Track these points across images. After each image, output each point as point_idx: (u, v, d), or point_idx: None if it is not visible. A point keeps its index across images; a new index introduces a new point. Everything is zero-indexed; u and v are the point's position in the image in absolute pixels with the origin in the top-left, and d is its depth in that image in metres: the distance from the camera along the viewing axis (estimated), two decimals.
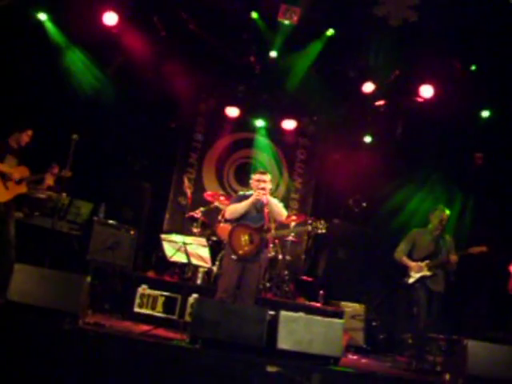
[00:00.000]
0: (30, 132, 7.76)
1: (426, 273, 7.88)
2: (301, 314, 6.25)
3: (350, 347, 8.55)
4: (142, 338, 6.27)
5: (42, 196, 8.38)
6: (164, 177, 11.82)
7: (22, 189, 7.66)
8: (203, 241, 7.30)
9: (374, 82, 10.69)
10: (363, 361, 7.91)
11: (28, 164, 7.76)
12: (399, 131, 11.29)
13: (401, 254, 8.21)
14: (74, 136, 7.42)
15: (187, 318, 7.97)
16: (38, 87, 10.23)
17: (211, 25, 10.34)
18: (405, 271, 8.11)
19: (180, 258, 7.37)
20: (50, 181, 7.78)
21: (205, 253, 7.27)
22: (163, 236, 7.49)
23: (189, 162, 12.05)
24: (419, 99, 10.64)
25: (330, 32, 10.21)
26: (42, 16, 9.88)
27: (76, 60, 10.55)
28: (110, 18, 9.89)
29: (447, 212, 8.17)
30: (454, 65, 10.13)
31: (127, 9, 9.98)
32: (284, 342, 5.87)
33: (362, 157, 11.43)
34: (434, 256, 7.96)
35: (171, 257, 7.39)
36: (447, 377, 6.71)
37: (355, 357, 8.17)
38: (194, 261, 7.39)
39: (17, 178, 7.54)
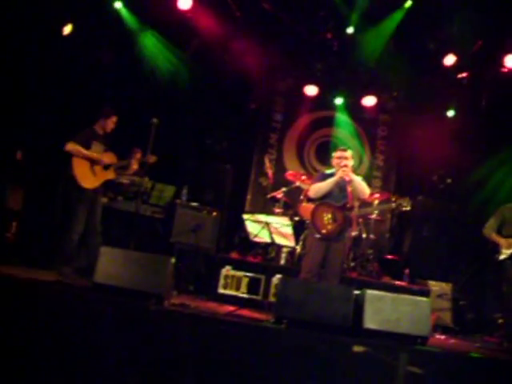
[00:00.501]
0: (114, 118, 7.84)
1: None
2: (387, 293, 6.13)
3: (437, 327, 8.36)
4: (227, 319, 6.29)
5: (125, 181, 8.51)
6: (245, 158, 11.84)
7: (110, 175, 7.76)
8: (286, 220, 7.27)
9: (455, 54, 10.35)
10: (451, 341, 7.71)
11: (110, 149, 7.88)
12: (483, 103, 10.88)
13: (490, 230, 8.00)
14: (154, 120, 7.43)
15: (271, 299, 8.01)
16: (117, 73, 10.44)
17: (286, 3, 10.25)
18: (493, 248, 7.88)
19: (263, 237, 7.37)
20: (135, 166, 7.89)
21: (288, 232, 7.24)
22: (246, 216, 7.50)
23: (269, 143, 12.04)
24: (504, 69, 10.22)
25: (408, 3, 9.94)
26: (118, 4, 10.00)
27: (152, 45, 10.68)
28: (185, 2, 9.92)
29: None
30: None
31: None
32: (370, 322, 5.77)
33: (445, 131, 11.10)
34: None
35: (255, 236, 7.40)
36: None
37: (443, 337, 7.99)
38: (278, 240, 7.37)
39: (105, 164, 7.67)
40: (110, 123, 7.83)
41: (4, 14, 8.29)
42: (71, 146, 7.42)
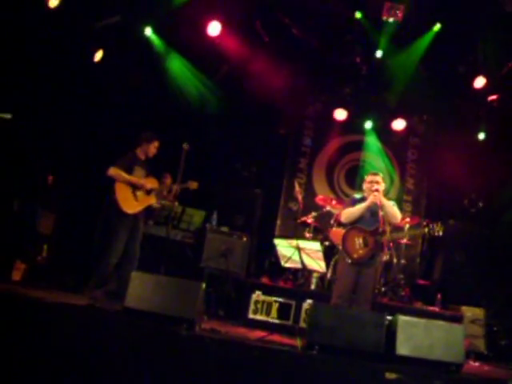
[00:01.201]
0: (156, 143, 7.87)
1: None
2: (420, 319, 6.05)
3: (470, 353, 8.21)
4: (258, 344, 6.24)
5: (156, 205, 8.55)
6: (274, 183, 11.86)
7: (152, 200, 7.80)
8: (317, 245, 7.24)
9: (485, 76, 10.29)
10: (486, 368, 7.56)
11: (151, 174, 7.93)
12: None
13: None
14: (185, 145, 7.44)
15: (302, 324, 7.95)
16: (148, 99, 10.54)
17: (314, 28, 10.33)
18: None
19: (294, 263, 7.34)
20: (176, 191, 7.85)
21: (319, 257, 7.20)
22: (277, 241, 7.49)
23: (298, 167, 12.05)
24: None
25: (437, 27, 9.94)
26: (148, 31, 10.12)
27: (181, 71, 10.80)
28: (214, 28, 10.03)
29: None
30: None
31: (230, 17, 10.09)
32: (403, 348, 5.68)
33: (475, 154, 11.02)
34: None
35: (286, 261, 7.38)
36: None
37: (476, 363, 7.84)
38: (309, 266, 7.34)
39: (148, 189, 7.70)
40: (152, 148, 7.87)
41: (37, 44, 8.44)
42: (113, 171, 7.47)
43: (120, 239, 7.49)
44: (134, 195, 7.60)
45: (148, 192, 7.72)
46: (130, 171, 7.60)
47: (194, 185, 7.92)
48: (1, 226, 8.26)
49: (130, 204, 7.55)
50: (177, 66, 10.73)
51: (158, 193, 7.85)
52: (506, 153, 10.70)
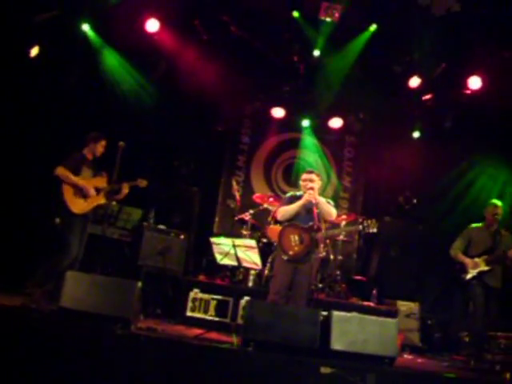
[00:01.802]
0: (104, 142, 7.79)
1: (484, 268, 7.75)
2: (354, 314, 6.15)
3: (405, 347, 8.40)
4: (195, 342, 6.24)
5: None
6: (212, 180, 11.87)
7: (100, 200, 7.66)
8: (253, 243, 7.26)
9: (420, 76, 10.49)
10: (419, 360, 7.76)
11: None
12: (448, 124, 11.04)
13: (456, 250, 8.12)
14: (121, 143, 7.37)
15: (240, 321, 7.98)
16: (83, 96, 10.40)
17: (252, 26, 10.33)
18: (460, 268, 7.98)
19: (230, 261, 7.36)
20: (126, 189, 7.83)
21: (255, 255, 7.23)
22: (213, 239, 7.49)
23: (236, 165, 12.09)
24: (467, 91, 10.39)
25: (373, 27, 10.07)
26: (85, 27, 9.98)
27: (119, 68, 10.67)
28: (152, 25, 9.97)
29: (500, 206, 8.06)
30: (502, 55, 9.85)
31: (168, 15, 10.01)
32: (338, 343, 5.78)
33: (410, 152, 11.21)
34: (491, 251, 7.83)
35: (221, 260, 7.39)
36: (507, 376, 6.53)
37: (410, 356, 8.03)
38: (245, 263, 7.36)
39: (91, 195, 7.54)
40: (100, 147, 7.78)
41: None
42: (60, 171, 7.35)
43: (72, 240, 7.36)
44: (82, 195, 7.48)
45: (97, 191, 7.60)
46: (77, 171, 7.49)
47: (143, 183, 7.93)
48: None
49: (79, 204, 7.43)
50: (113, 62, 10.56)
51: (106, 192, 7.71)
52: (439, 150, 10.95)
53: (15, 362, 5.35)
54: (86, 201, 7.51)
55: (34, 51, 9.48)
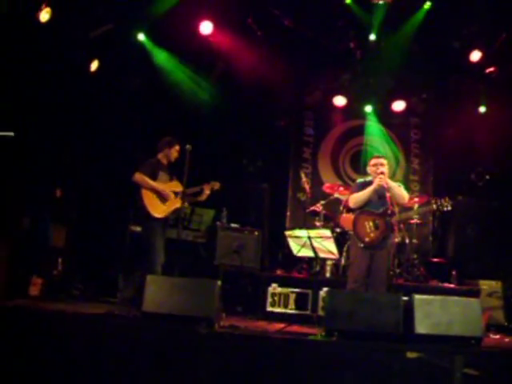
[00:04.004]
0: (178, 147, 7.86)
1: None
2: (436, 296, 6.07)
3: (491, 326, 8.22)
4: (278, 336, 6.27)
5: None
6: (280, 175, 11.89)
7: (178, 203, 7.65)
8: (328, 233, 7.26)
9: (480, 50, 10.26)
10: (506, 340, 7.58)
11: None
12: None
13: None
14: (188, 146, 7.32)
15: (320, 312, 7.99)
16: (146, 105, 10.60)
17: (305, 17, 10.30)
18: None
19: (306, 252, 7.38)
20: (208, 191, 7.88)
21: (331, 245, 7.23)
22: (288, 233, 7.51)
23: (303, 158, 12.09)
24: None
25: (427, 5, 9.90)
26: (141, 36, 10.16)
27: (178, 72, 10.80)
28: (206, 27, 10.07)
29: None
30: None
31: (221, 15, 10.10)
32: (422, 327, 5.70)
33: (478, 128, 10.99)
34: None
35: (298, 252, 7.41)
36: None
37: (497, 336, 7.85)
38: (321, 254, 7.37)
39: (171, 198, 7.64)
40: (174, 152, 7.86)
41: (34, 60, 8.47)
42: (139, 177, 7.47)
43: (157, 245, 7.48)
44: (161, 199, 7.59)
45: (174, 195, 7.68)
46: (154, 177, 7.60)
47: (216, 185, 7.97)
48: (15, 244, 8.31)
49: (159, 208, 7.54)
50: (172, 67, 10.71)
51: (184, 195, 7.63)
52: (508, 123, 10.68)
53: (102, 369, 5.50)
54: (165, 204, 7.60)
55: (94, 65, 9.71)
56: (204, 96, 10.98)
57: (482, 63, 10.53)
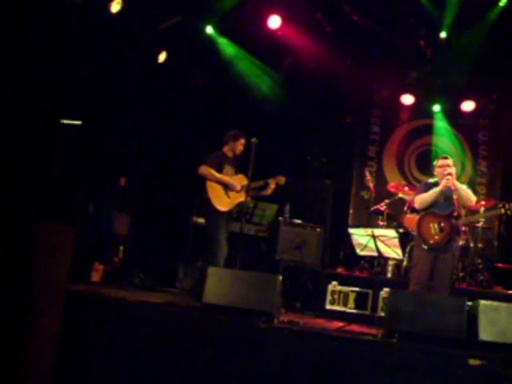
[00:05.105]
0: (243, 140, 7.86)
1: None
2: (502, 303, 5.93)
3: None
4: (337, 334, 6.23)
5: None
6: (345, 172, 11.86)
7: (242, 197, 7.69)
8: (393, 233, 7.19)
9: None
10: None
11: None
12: None
13: None
14: (254, 139, 7.34)
15: (380, 313, 7.90)
16: (214, 95, 10.66)
17: (375, 13, 10.18)
18: None
19: (369, 251, 7.32)
20: (273, 185, 7.87)
21: (395, 244, 7.15)
22: (351, 230, 7.47)
23: (368, 156, 12.01)
24: None
25: (503, 2, 9.62)
26: (209, 29, 10.20)
27: (246, 66, 10.83)
28: (274, 22, 10.05)
29: None
30: None
31: (290, 10, 10.06)
32: (486, 333, 5.56)
33: None
34: None
35: (361, 251, 7.36)
36: None
37: None
38: (385, 253, 7.30)
39: (238, 189, 7.67)
40: (239, 145, 7.87)
41: (103, 50, 8.63)
42: (205, 170, 7.51)
43: (221, 238, 7.52)
44: (226, 193, 7.62)
45: (239, 190, 7.70)
46: (219, 170, 7.62)
47: (282, 180, 7.93)
48: (79, 229, 8.49)
49: (223, 201, 7.57)
50: (239, 61, 10.76)
51: (249, 189, 7.66)
52: None
53: (160, 358, 5.57)
54: (230, 197, 7.62)
55: (162, 57, 9.81)
56: (271, 91, 10.97)
57: None
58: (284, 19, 10.06)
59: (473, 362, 5.28)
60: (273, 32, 10.22)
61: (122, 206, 9.73)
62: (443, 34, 10.23)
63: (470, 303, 5.89)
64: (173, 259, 9.68)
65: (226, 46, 10.51)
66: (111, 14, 8.38)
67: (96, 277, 8.52)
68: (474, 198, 7.12)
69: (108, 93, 9.02)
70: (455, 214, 6.85)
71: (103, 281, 8.57)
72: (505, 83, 11.08)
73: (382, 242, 7.16)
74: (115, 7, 8.37)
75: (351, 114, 11.94)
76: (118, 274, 9.07)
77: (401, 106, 11.79)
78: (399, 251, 7.28)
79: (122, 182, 9.73)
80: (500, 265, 10.25)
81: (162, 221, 10.40)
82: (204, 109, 10.85)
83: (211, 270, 6.20)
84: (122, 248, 9.59)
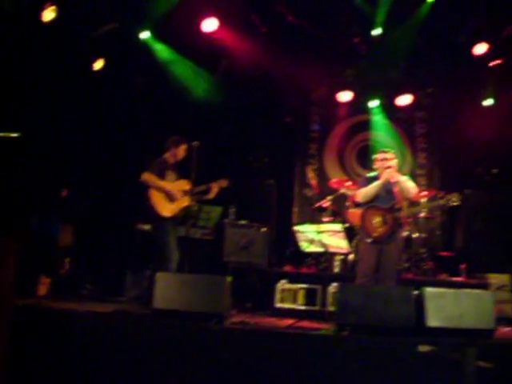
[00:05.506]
0: (184, 146, 7.81)
1: None
2: (447, 289, 6.05)
3: (501, 319, 8.18)
4: (288, 332, 6.27)
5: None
6: (287, 171, 11.91)
7: (186, 201, 7.66)
8: (338, 227, 7.25)
9: (486, 42, 10.22)
10: None
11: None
12: None
13: None
14: (195, 143, 7.37)
15: (330, 308, 7.97)
16: (152, 101, 10.60)
17: (309, 13, 10.29)
18: None
19: (316, 247, 7.36)
20: (216, 189, 7.86)
21: (341, 237, 7.21)
22: (296, 228, 7.50)
23: (309, 154, 12.11)
24: None
25: None
26: (145, 34, 10.16)
27: (183, 70, 10.80)
28: (210, 24, 10.06)
29: None
30: None
31: (225, 12, 10.09)
32: (433, 320, 5.67)
33: (485, 121, 10.90)
34: None
35: (307, 248, 7.40)
36: None
37: (508, 329, 7.83)
38: (331, 248, 7.35)
39: (178, 198, 7.60)
40: (181, 151, 7.82)
41: (38, 60, 8.49)
42: (147, 177, 7.44)
43: (170, 244, 7.46)
44: (169, 199, 7.57)
45: (183, 194, 7.66)
46: (162, 176, 7.57)
47: (224, 183, 7.94)
48: (23, 243, 8.31)
49: (167, 207, 7.51)
50: (176, 65, 10.73)
51: (192, 193, 7.70)
52: None
53: (114, 367, 5.51)
54: (174, 203, 7.57)
55: (98, 64, 9.71)
56: (209, 94, 10.96)
57: (487, 56, 10.48)
58: (220, 21, 10.07)
59: (422, 348, 5.37)
60: (208, 35, 10.22)
61: (66, 217, 9.58)
62: (377, 31, 10.38)
63: (416, 292, 5.99)
64: (120, 268, 9.56)
65: (162, 50, 10.47)
66: (43, 22, 8.24)
67: (43, 290, 8.38)
68: (415, 190, 7.24)
69: (45, 103, 8.87)
70: (397, 206, 6.97)
71: (50, 294, 8.43)
72: (439, 76, 11.30)
73: (328, 237, 7.21)
74: (49, 15, 8.24)
75: (290, 113, 12.00)
76: (64, 286, 8.93)
77: (338, 102, 11.93)
78: (346, 245, 7.35)
79: (64, 192, 9.59)
80: (444, 253, 10.44)
81: (106, 230, 10.27)
82: (145, 114, 10.76)
83: (159, 276, 6.18)
84: (67, 260, 9.43)
